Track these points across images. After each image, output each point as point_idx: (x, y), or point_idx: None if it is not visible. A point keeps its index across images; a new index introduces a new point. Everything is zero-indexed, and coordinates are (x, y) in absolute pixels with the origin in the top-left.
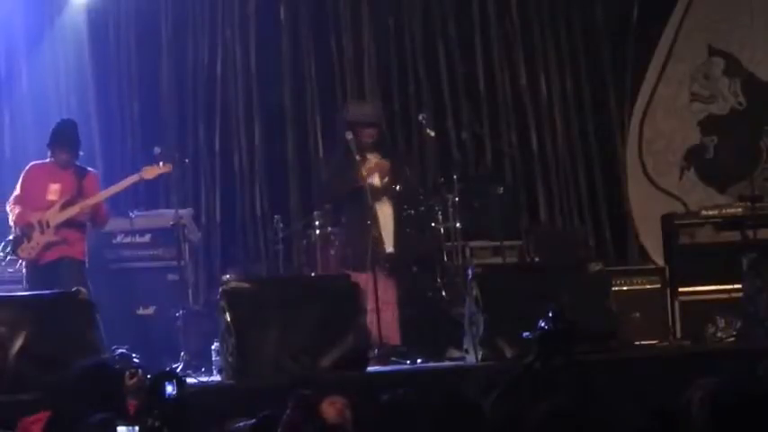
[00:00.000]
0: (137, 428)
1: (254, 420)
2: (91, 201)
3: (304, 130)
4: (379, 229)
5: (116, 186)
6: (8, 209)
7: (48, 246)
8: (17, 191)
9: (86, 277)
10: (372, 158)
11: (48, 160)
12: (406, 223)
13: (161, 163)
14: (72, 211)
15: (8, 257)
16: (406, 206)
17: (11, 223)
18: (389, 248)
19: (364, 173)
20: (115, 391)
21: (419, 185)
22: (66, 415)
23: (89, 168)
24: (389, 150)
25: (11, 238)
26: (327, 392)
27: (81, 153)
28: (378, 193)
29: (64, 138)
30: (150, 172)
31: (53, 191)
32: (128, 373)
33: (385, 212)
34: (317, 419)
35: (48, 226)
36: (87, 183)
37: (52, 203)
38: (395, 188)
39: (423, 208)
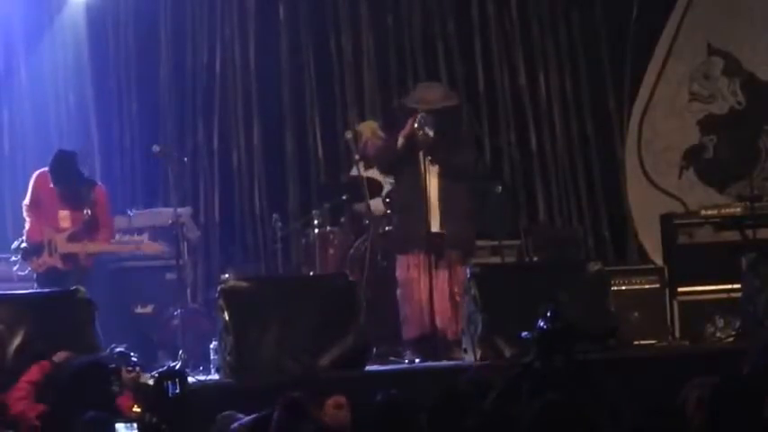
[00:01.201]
0: (135, 425)
1: (251, 417)
2: (92, 249)
3: (303, 129)
4: (426, 201)
5: (115, 247)
6: (24, 214)
7: (53, 268)
8: (28, 198)
9: (86, 280)
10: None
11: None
12: (453, 197)
13: (160, 242)
14: (75, 249)
15: (18, 259)
16: (456, 178)
17: (24, 235)
18: (435, 227)
19: (416, 126)
20: (109, 389)
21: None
22: (62, 412)
23: (97, 184)
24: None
25: (23, 246)
26: (319, 393)
27: (85, 173)
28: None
29: (58, 173)
30: (148, 247)
31: (63, 217)
32: (125, 369)
33: (432, 183)
34: (308, 421)
35: (56, 250)
36: (96, 202)
37: (63, 229)
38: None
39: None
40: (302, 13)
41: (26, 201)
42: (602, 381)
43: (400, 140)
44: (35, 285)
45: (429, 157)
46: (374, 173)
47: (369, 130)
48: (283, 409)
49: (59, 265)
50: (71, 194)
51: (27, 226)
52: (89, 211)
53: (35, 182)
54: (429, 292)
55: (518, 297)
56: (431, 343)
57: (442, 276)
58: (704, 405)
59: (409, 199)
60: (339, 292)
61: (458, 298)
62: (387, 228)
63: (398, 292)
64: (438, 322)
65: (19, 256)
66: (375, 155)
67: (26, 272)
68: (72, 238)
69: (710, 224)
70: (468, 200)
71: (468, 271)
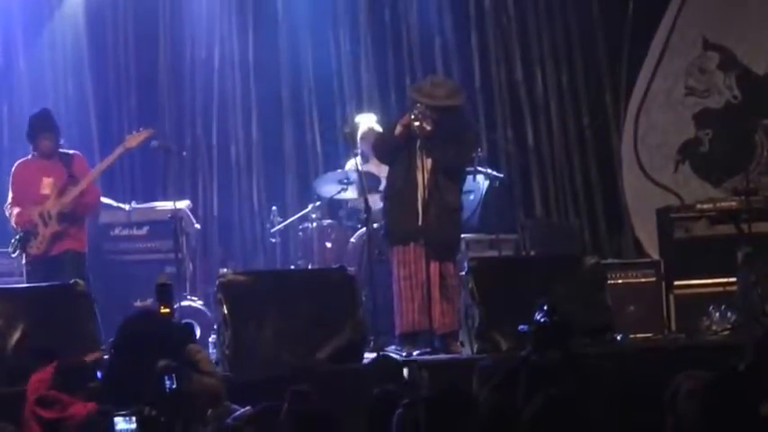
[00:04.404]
0: (134, 418)
1: (248, 408)
2: (84, 182)
3: (301, 122)
4: (416, 194)
5: (104, 162)
6: (6, 212)
7: (54, 236)
8: (11, 193)
9: (87, 269)
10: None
11: (30, 156)
12: (439, 195)
13: (141, 129)
14: (69, 196)
15: (16, 253)
16: (442, 175)
17: (13, 225)
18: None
19: (412, 117)
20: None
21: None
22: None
23: (72, 152)
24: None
25: (18, 237)
26: (323, 388)
27: (62, 141)
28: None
29: (45, 124)
30: (133, 140)
31: (47, 185)
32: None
33: (425, 177)
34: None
35: (50, 217)
36: (76, 166)
37: (48, 197)
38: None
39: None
40: (300, 8)
41: (9, 198)
42: (598, 374)
43: (397, 128)
44: (24, 279)
45: (424, 151)
46: (372, 167)
47: (365, 124)
48: (292, 405)
49: (57, 227)
50: (51, 148)
51: (14, 218)
52: (69, 173)
53: (14, 171)
54: (421, 284)
55: (515, 291)
56: (423, 336)
57: (434, 269)
58: (695, 398)
59: (401, 189)
60: (337, 286)
61: (445, 291)
62: (383, 221)
63: (393, 285)
64: (431, 315)
65: (18, 251)
66: (374, 142)
67: (22, 261)
68: (61, 192)
69: (706, 218)
70: (455, 200)
71: (465, 265)
